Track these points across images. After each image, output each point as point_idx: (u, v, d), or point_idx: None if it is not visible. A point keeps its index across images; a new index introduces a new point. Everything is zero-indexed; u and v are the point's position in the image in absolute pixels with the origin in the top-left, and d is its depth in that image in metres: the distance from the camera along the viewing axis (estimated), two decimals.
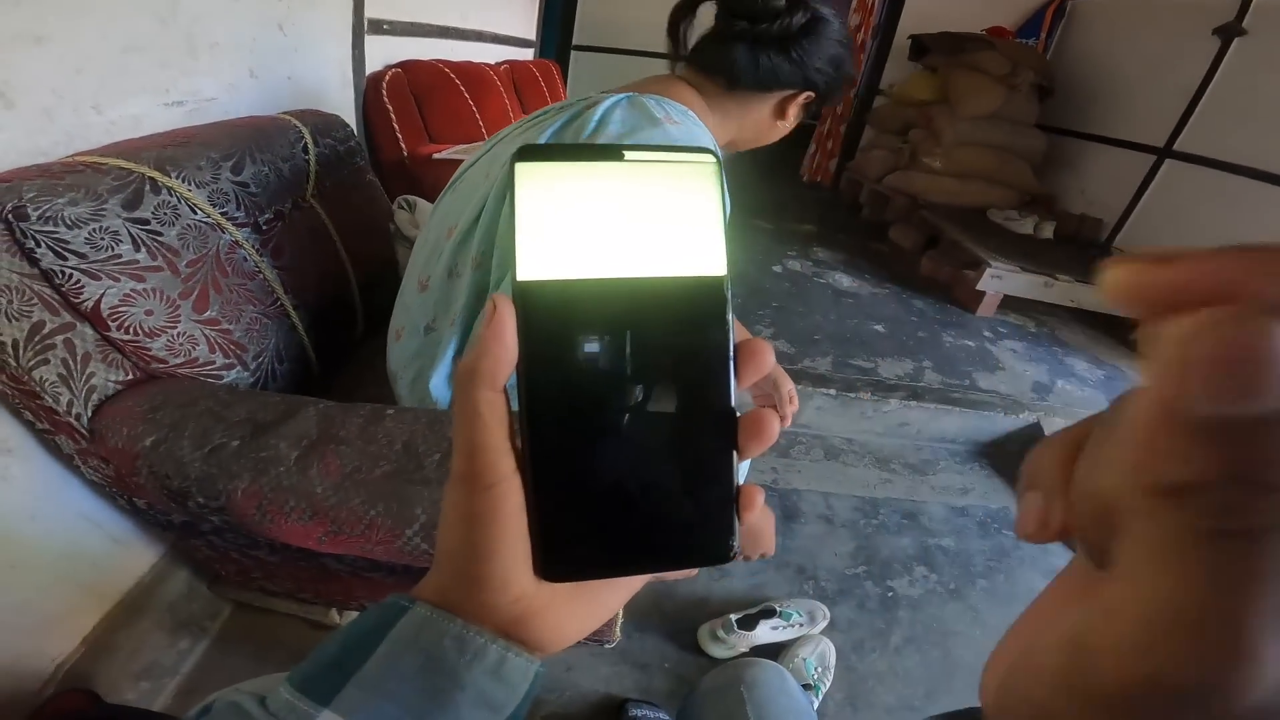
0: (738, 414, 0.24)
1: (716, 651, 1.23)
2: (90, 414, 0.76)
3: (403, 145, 1.56)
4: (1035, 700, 0.15)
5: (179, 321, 0.84)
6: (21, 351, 0.71)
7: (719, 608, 1.32)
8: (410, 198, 1.27)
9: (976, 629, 1.40)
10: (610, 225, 0.22)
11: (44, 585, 0.91)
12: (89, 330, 0.77)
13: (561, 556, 0.23)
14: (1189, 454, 0.12)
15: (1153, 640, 0.12)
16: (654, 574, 0.25)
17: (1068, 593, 0.17)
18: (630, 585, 0.27)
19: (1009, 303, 2.75)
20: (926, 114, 3.57)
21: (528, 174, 0.22)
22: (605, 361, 0.22)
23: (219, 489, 0.70)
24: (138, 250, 0.79)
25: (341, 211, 1.17)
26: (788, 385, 0.99)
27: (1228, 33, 2.75)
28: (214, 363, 0.89)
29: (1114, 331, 2.73)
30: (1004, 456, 2.00)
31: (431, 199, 1.01)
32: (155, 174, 0.82)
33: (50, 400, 0.74)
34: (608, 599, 0.27)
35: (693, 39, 0.85)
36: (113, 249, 0.76)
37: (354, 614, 1.04)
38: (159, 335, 0.82)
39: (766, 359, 0.24)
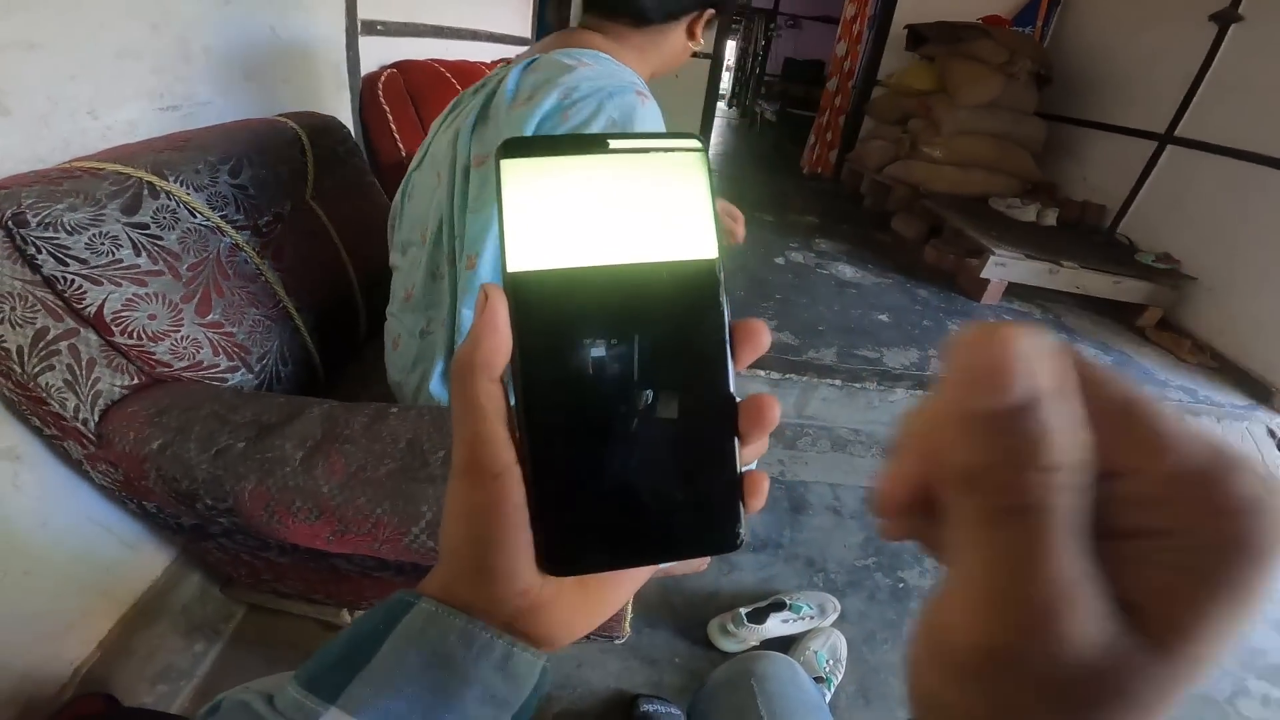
0: (737, 398, 0.23)
1: (727, 645, 1.22)
2: (97, 419, 0.76)
3: (400, 145, 1.56)
4: (921, 677, 0.17)
5: (182, 325, 0.84)
6: (26, 358, 0.72)
7: (728, 601, 1.32)
8: None
9: None
10: (598, 214, 0.22)
11: (58, 590, 0.92)
12: (93, 336, 0.78)
13: (564, 549, 0.23)
14: (970, 445, 0.14)
15: (974, 614, 0.14)
16: (660, 565, 0.25)
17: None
18: (637, 577, 0.27)
19: (1014, 290, 2.74)
20: (925, 104, 3.56)
21: (513, 168, 0.22)
22: (600, 350, 0.22)
23: (226, 490, 0.70)
24: (138, 255, 0.79)
25: (341, 212, 1.17)
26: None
27: (1224, 19, 2.73)
28: (218, 366, 0.89)
29: (1121, 317, 2.71)
30: None
31: None
32: (153, 178, 0.82)
33: (57, 406, 0.74)
34: (614, 592, 0.26)
35: None
36: (113, 254, 0.76)
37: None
38: (162, 339, 0.82)
39: (763, 338, 0.24)
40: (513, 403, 0.23)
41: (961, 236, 2.92)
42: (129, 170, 0.80)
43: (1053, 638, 0.14)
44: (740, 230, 0.94)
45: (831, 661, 1.20)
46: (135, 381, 0.81)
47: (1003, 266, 2.62)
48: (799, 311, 2.38)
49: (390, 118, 1.54)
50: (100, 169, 0.78)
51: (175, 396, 0.80)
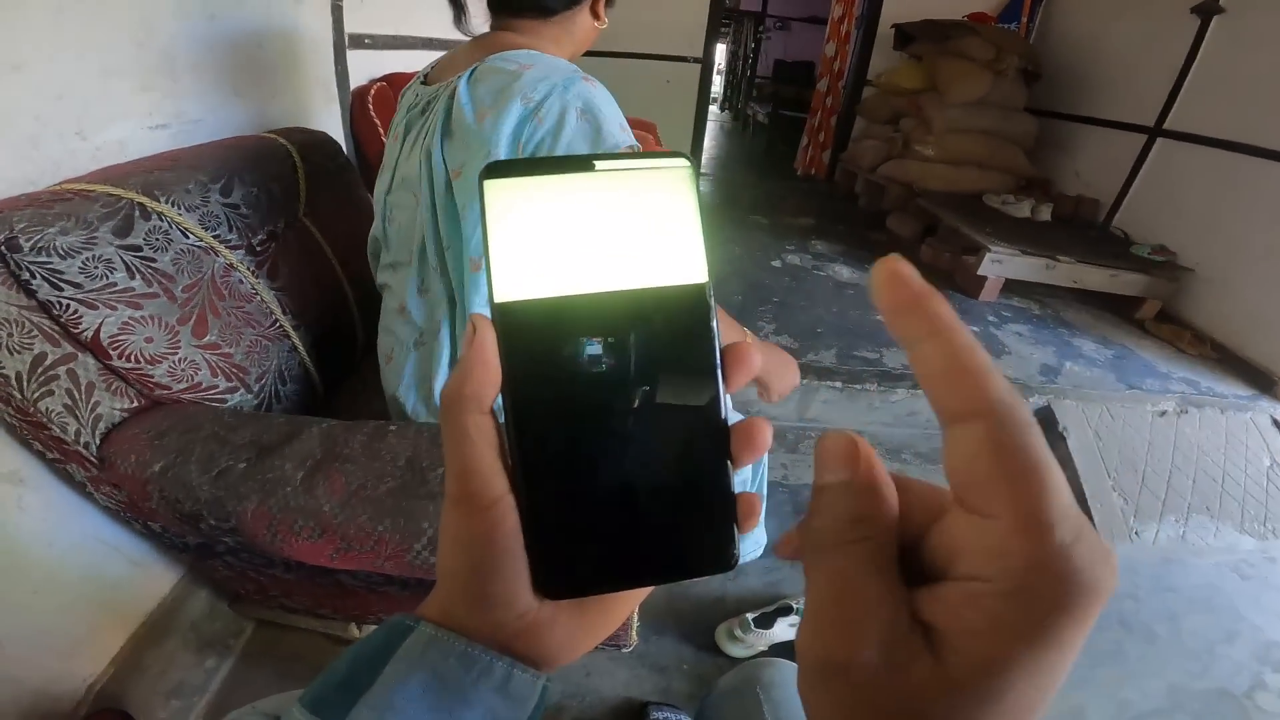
0: (729, 421, 0.23)
1: (735, 651, 1.22)
2: (98, 442, 0.77)
3: None
4: (799, 686, 0.20)
5: (179, 347, 0.84)
6: (25, 383, 0.72)
7: (735, 607, 1.31)
8: None
9: None
10: (586, 238, 0.22)
11: (67, 608, 0.93)
12: (91, 360, 0.77)
13: (560, 574, 0.23)
14: (813, 506, 0.20)
15: (810, 632, 0.19)
16: (656, 586, 0.25)
17: None
18: (634, 597, 0.27)
19: (1011, 286, 2.74)
20: (915, 102, 3.57)
21: (497, 191, 0.21)
22: (590, 378, 0.22)
23: (229, 510, 0.70)
24: (132, 277, 0.79)
25: (335, 228, 1.17)
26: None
27: (1206, 11, 2.75)
28: (217, 387, 0.89)
29: (1120, 310, 2.71)
30: None
31: None
32: (144, 199, 0.82)
33: (58, 430, 0.74)
34: (612, 611, 0.26)
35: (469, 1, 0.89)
36: (107, 277, 0.76)
37: (373, 627, 1.04)
38: (160, 362, 0.82)
39: (753, 361, 0.24)
40: (504, 431, 0.23)
41: (957, 234, 2.92)
42: (119, 191, 0.80)
43: (860, 648, 0.17)
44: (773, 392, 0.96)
45: None
46: (135, 404, 0.81)
47: (999, 263, 2.62)
48: (797, 314, 2.39)
49: (381, 131, 1.54)
50: (91, 191, 0.78)
51: (175, 419, 0.80)
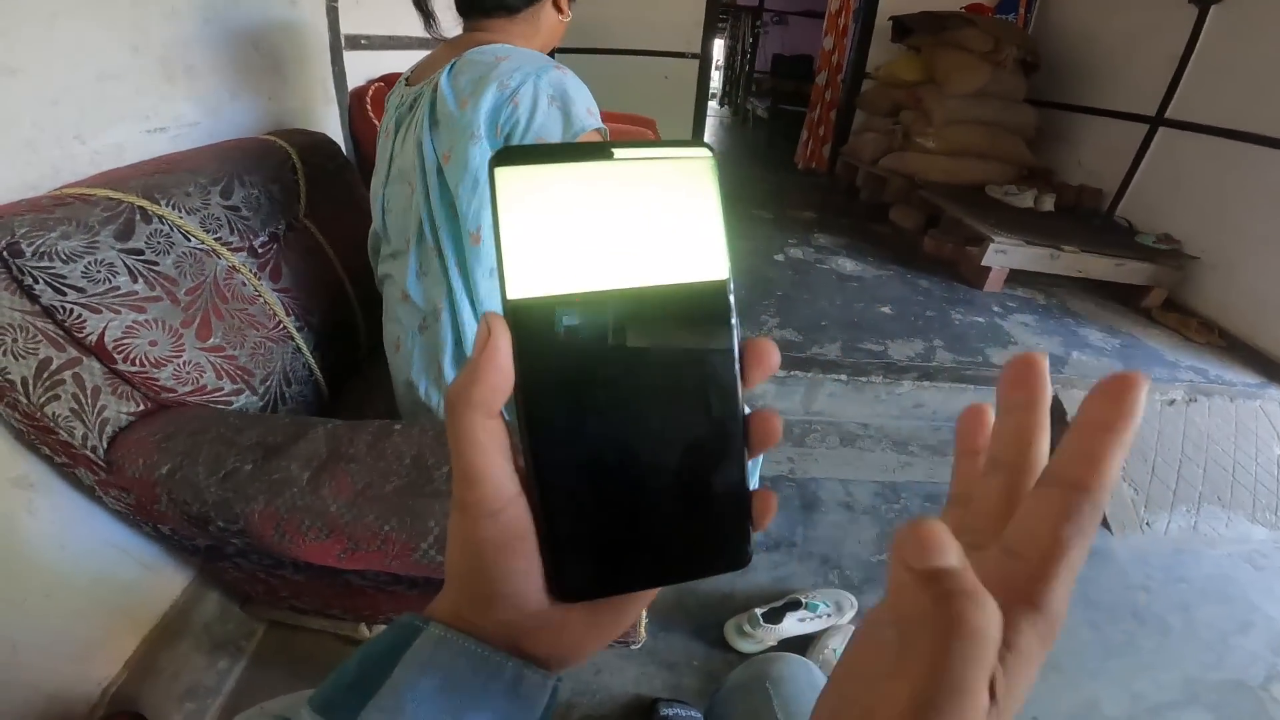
0: (744, 417, 0.23)
1: (744, 646, 1.21)
2: (106, 446, 0.77)
3: None
4: None
5: (183, 350, 0.84)
6: (32, 388, 0.72)
7: (744, 602, 1.31)
8: None
9: None
10: (603, 231, 0.21)
11: (80, 611, 0.93)
12: (96, 364, 0.78)
13: (575, 577, 0.23)
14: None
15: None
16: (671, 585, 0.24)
17: (875, 668, 0.20)
18: (645, 597, 0.27)
19: (1016, 277, 2.72)
20: (915, 94, 3.55)
21: (509, 180, 0.20)
22: (607, 378, 0.21)
23: (236, 512, 0.70)
24: (135, 281, 0.79)
25: (336, 229, 1.16)
26: None
27: (1203, 0, 2.73)
28: (222, 389, 0.89)
29: (1125, 299, 2.70)
30: None
31: None
32: (144, 203, 0.82)
33: (65, 435, 0.74)
34: (624, 611, 0.26)
35: (434, 4, 0.94)
36: (110, 281, 0.76)
37: (383, 627, 1.04)
38: (165, 365, 0.82)
39: (773, 359, 0.23)
40: (518, 432, 0.22)
41: (960, 225, 2.91)
42: (120, 195, 0.80)
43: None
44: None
45: None
46: (141, 408, 0.81)
47: (1003, 253, 2.61)
48: (801, 308, 2.38)
49: (380, 131, 1.54)
50: (91, 195, 0.78)
51: (181, 421, 0.80)
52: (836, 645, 1.20)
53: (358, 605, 1.00)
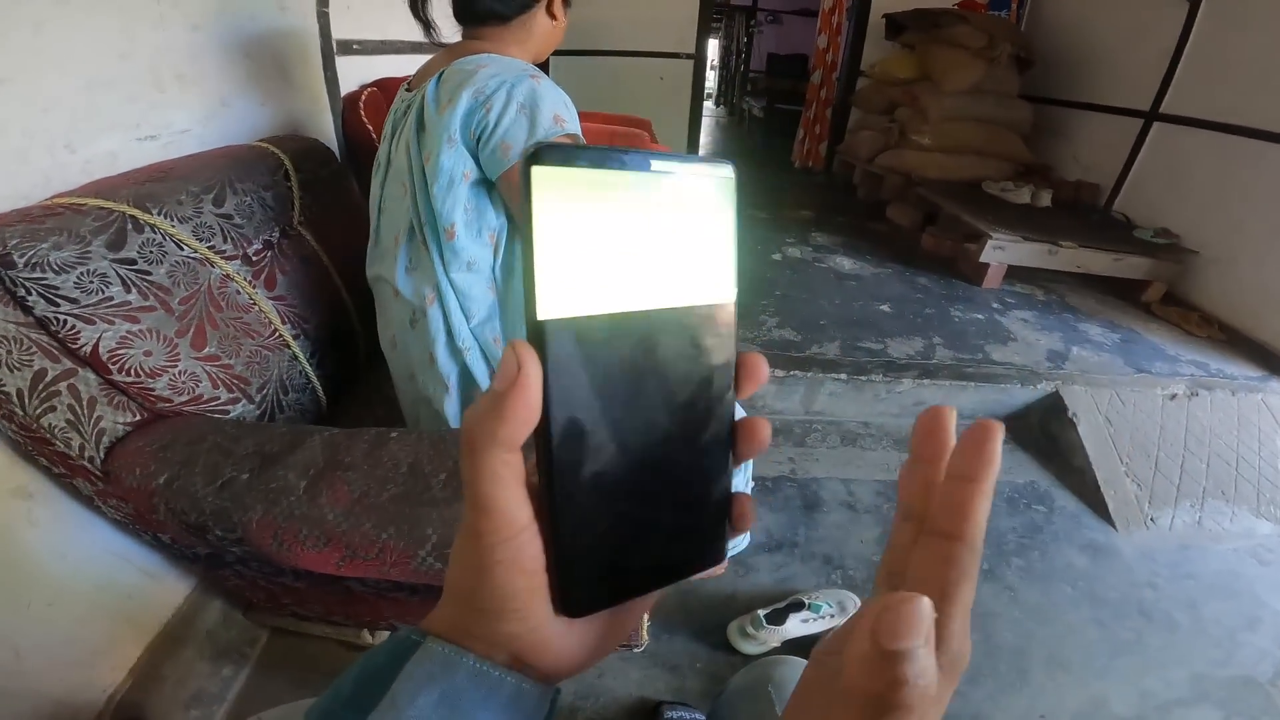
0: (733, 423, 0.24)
1: (747, 648, 1.21)
2: (103, 456, 0.77)
3: None
4: None
5: (179, 360, 0.83)
6: (27, 400, 0.72)
7: (746, 603, 1.30)
8: None
9: (1015, 609, 1.38)
10: (631, 249, 0.20)
11: (84, 619, 0.93)
12: (91, 375, 0.77)
13: (585, 593, 0.23)
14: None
15: None
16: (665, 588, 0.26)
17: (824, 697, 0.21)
18: (645, 603, 0.27)
19: (1014, 273, 2.72)
20: (910, 92, 3.55)
21: (545, 183, 0.18)
22: (621, 396, 0.21)
23: (234, 521, 0.70)
24: (128, 291, 0.78)
25: (331, 236, 1.16)
26: None
27: None
28: (218, 398, 0.88)
29: (1125, 294, 2.69)
30: (1025, 429, 1.97)
31: None
32: (136, 212, 0.81)
33: (62, 446, 0.74)
34: (623, 621, 0.27)
35: (432, 13, 0.97)
36: (103, 292, 0.75)
37: (385, 633, 1.04)
38: (160, 375, 0.81)
39: (763, 371, 0.25)
40: (538, 457, 0.22)
41: (958, 222, 2.91)
42: (111, 205, 0.80)
43: None
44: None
45: None
46: (138, 418, 0.81)
47: (1001, 250, 2.60)
48: (800, 307, 2.37)
49: (374, 136, 1.53)
50: (82, 205, 0.77)
51: (178, 431, 0.80)
52: None
53: (359, 612, 1.00)
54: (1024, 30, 3.84)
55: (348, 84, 1.56)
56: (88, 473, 0.77)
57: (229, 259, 0.94)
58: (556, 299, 0.19)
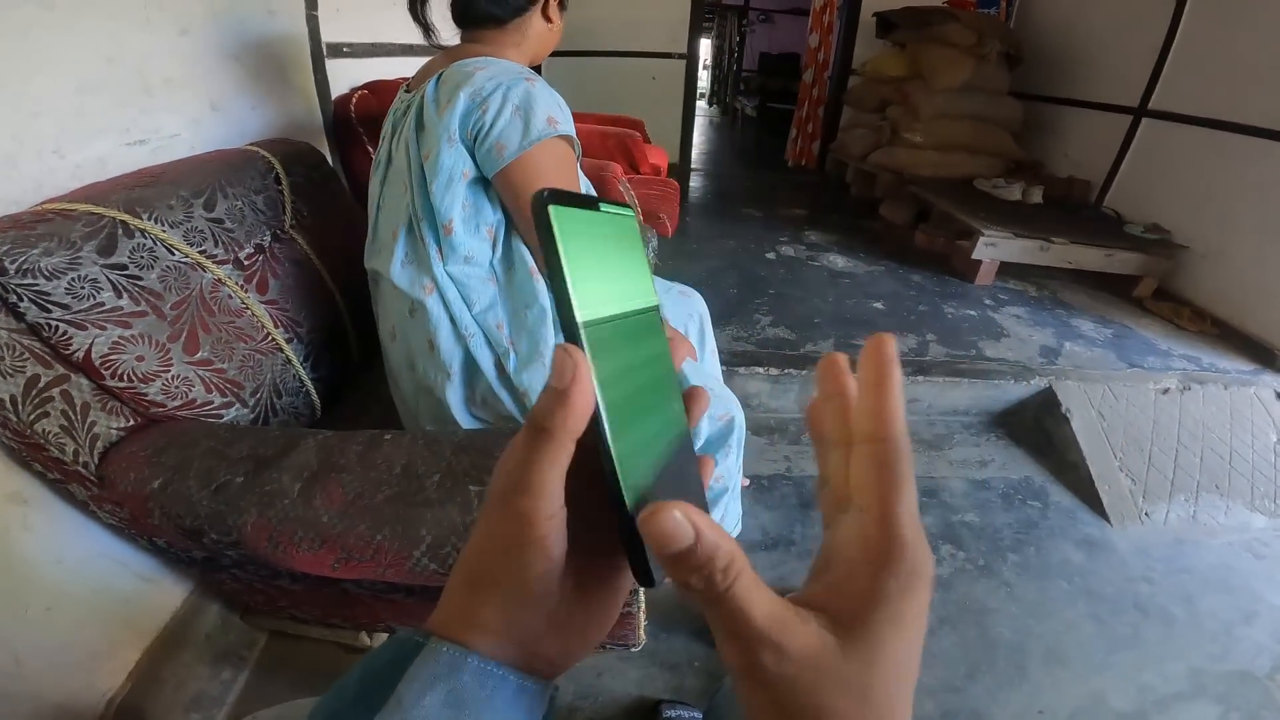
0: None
1: None
2: (97, 461, 0.76)
3: None
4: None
5: (171, 365, 0.83)
6: (21, 406, 0.72)
7: None
8: None
9: (1012, 604, 1.38)
10: (616, 266, 0.25)
11: (82, 624, 0.93)
12: (84, 381, 0.77)
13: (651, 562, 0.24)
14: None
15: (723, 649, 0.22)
16: None
17: None
18: (621, 592, 0.28)
19: (1007, 269, 2.73)
20: (902, 90, 3.57)
21: (561, 217, 0.23)
22: (644, 384, 0.26)
23: (229, 524, 0.70)
24: (119, 297, 0.78)
25: (323, 239, 1.15)
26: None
27: None
28: (212, 403, 0.88)
29: (1117, 289, 2.71)
30: (1019, 425, 1.98)
31: None
32: (126, 217, 0.81)
33: (56, 451, 0.74)
34: (607, 611, 0.28)
35: (431, 16, 1.00)
36: (94, 297, 0.75)
37: (383, 635, 1.04)
38: (153, 380, 0.81)
39: (704, 402, 0.31)
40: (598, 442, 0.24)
41: (950, 219, 2.92)
42: (101, 210, 0.79)
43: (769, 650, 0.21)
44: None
45: None
46: (131, 423, 0.81)
47: (993, 246, 2.62)
48: (793, 305, 2.38)
49: (366, 140, 1.53)
50: (72, 210, 0.77)
51: (172, 436, 0.80)
52: None
53: (356, 614, 0.99)
54: (1013, 27, 3.87)
55: (338, 87, 1.56)
56: (82, 478, 0.76)
57: (220, 263, 0.94)
58: (586, 304, 0.23)
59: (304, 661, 1.14)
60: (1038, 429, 1.94)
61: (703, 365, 1.26)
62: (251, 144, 1.13)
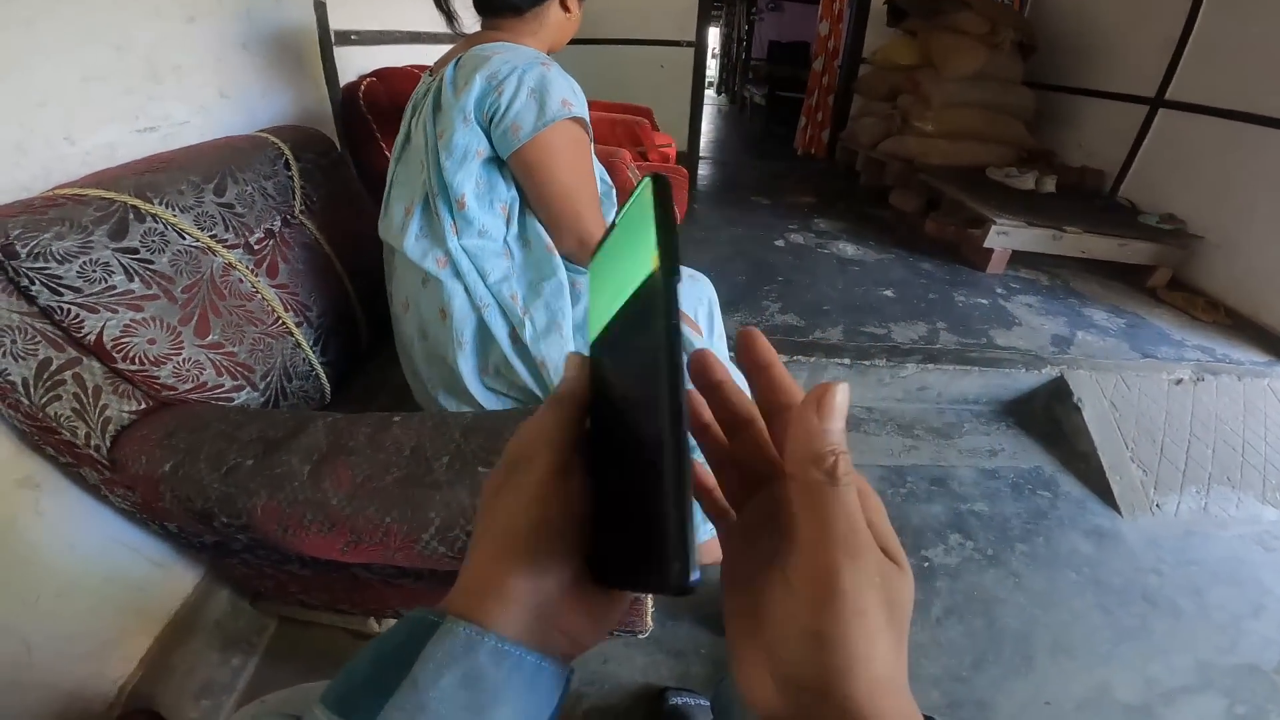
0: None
1: None
2: (109, 445, 0.77)
3: (388, 153, 1.54)
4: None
5: (182, 348, 0.84)
6: (33, 389, 0.72)
7: None
8: None
9: (1020, 595, 1.37)
10: (623, 264, 0.27)
11: (93, 611, 0.94)
12: (96, 364, 0.78)
13: (612, 562, 0.25)
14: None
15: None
16: None
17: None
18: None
19: (1019, 258, 2.71)
20: (912, 78, 3.53)
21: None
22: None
23: (239, 507, 0.70)
24: (131, 280, 0.78)
25: (332, 225, 1.16)
26: None
27: None
28: (223, 386, 0.88)
29: (1130, 279, 2.68)
30: (1030, 414, 1.97)
31: None
32: (137, 202, 0.81)
33: (68, 435, 0.75)
34: (619, 598, 0.28)
35: (454, 5, 1.04)
36: (106, 281, 0.75)
37: (391, 620, 1.05)
38: (164, 363, 0.82)
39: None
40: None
41: (961, 208, 2.89)
42: (113, 195, 0.79)
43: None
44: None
45: None
46: (143, 406, 0.81)
47: (1005, 235, 2.59)
48: (802, 292, 2.37)
49: (374, 126, 1.52)
50: (83, 195, 0.77)
51: (183, 418, 0.80)
52: None
53: (365, 599, 1.00)
54: (1027, 16, 3.80)
55: (346, 74, 1.55)
56: (94, 461, 0.77)
57: (231, 248, 0.94)
58: (595, 326, 0.27)
59: (313, 647, 1.15)
60: (1048, 418, 1.93)
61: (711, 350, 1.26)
62: (261, 130, 1.13)
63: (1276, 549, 1.56)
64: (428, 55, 1.94)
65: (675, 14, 3.84)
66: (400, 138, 1.02)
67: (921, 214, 3.21)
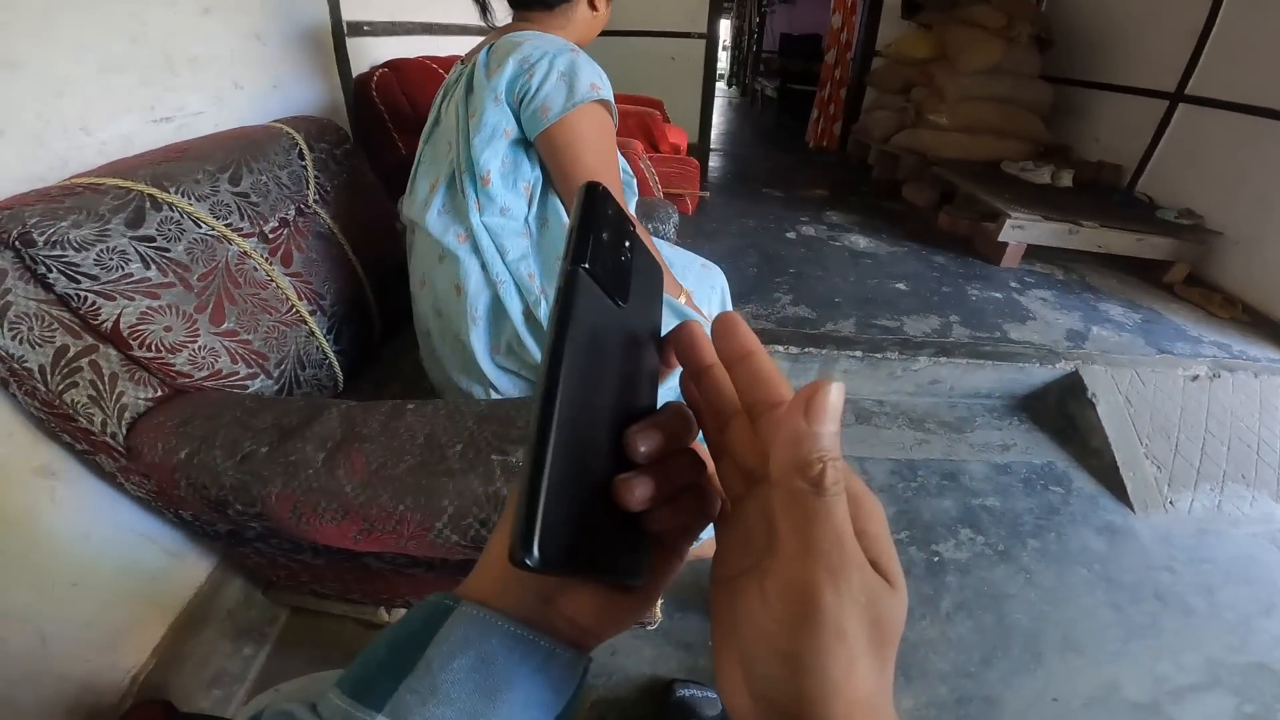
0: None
1: None
2: (125, 432, 0.77)
3: (400, 144, 1.54)
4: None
5: (198, 335, 0.84)
6: (50, 376, 0.72)
7: None
8: None
9: (1030, 591, 1.37)
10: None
11: (107, 600, 0.94)
12: (112, 351, 0.78)
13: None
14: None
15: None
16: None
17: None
18: (670, 575, 0.28)
19: (1034, 252, 2.68)
20: (927, 72, 3.49)
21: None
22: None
23: (254, 495, 0.70)
24: (148, 268, 0.79)
25: (346, 215, 1.16)
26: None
27: None
28: (237, 373, 0.89)
29: (1147, 274, 2.65)
30: (1043, 409, 1.95)
31: None
32: (154, 191, 0.82)
33: (84, 422, 0.75)
34: (650, 591, 0.27)
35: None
36: (123, 268, 0.76)
37: (402, 610, 1.05)
38: (180, 350, 0.82)
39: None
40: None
41: (975, 201, 2.87)
42: (129, 184, 0.80)
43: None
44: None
45: None
46: (158, 393, 0.82)
47: (1020, 229, 2.56)
48: (814, 285, 2.36)
49: (387, 117, 1.52)
50: (100, 184, 0.78)
51: (198, 406, 0.80)
52: None
53: (376, 589, 1.01)
54: (1045, 10, 3.75)
55: (359, 65, 1.55)
56: (110, 449, 0.78)
57: (246, 236, 0.94)
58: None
59: (324, 638, 1.16)
60: (1062, 414, 1.91)
61: None
62: (276, 120, 1.13)
63: None
64: (440, 46, 1.94)
65: (687, 6, 3.82)
66: (430, 121, 1.05)
67: (935, 208, 3.18)
